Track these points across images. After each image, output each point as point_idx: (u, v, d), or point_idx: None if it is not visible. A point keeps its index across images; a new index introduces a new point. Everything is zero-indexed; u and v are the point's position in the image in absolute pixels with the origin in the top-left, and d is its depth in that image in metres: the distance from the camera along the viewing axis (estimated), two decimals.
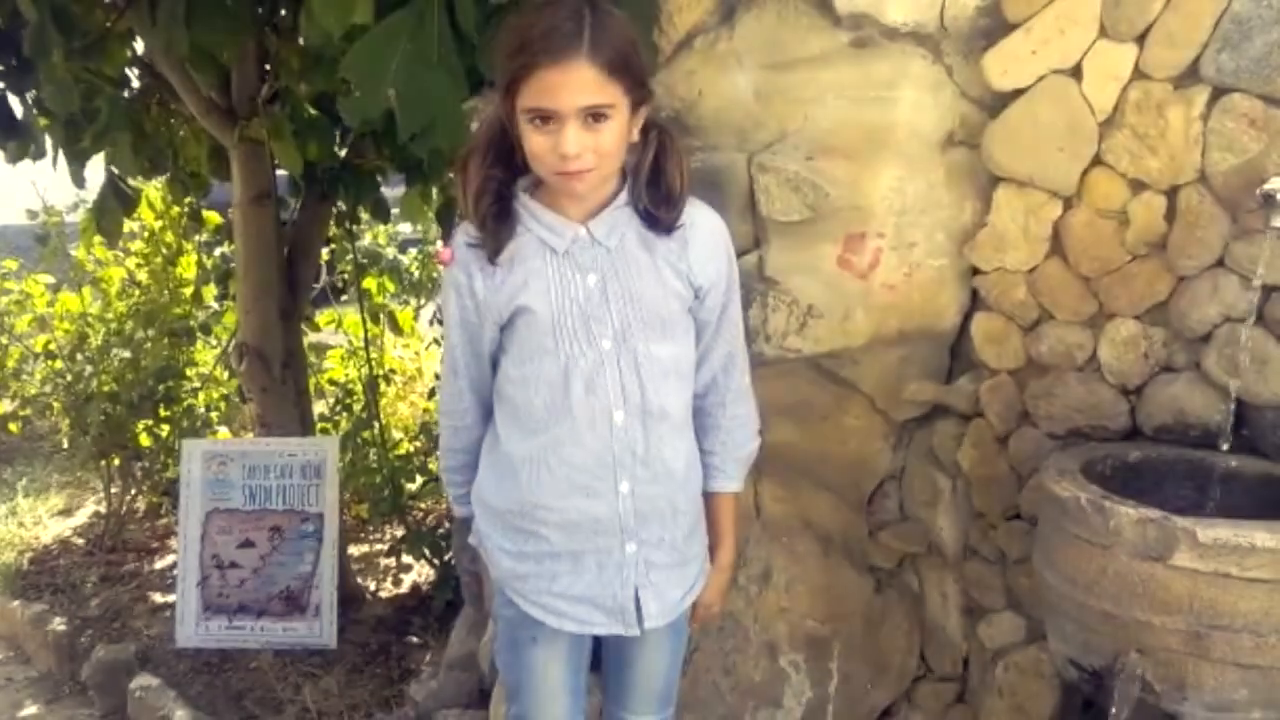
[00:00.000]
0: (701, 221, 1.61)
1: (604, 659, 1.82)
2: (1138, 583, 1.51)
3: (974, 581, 2.10)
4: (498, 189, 1.55)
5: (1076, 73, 1.76)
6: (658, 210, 1.55)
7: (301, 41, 2.83)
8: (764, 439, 1.77)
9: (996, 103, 1.84)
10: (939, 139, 1.90)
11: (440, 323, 4.48)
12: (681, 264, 1.58)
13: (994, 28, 1.81)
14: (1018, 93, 1.81)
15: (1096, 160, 1.77)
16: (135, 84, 3.40)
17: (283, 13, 3.05)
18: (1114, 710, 1.54)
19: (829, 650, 2.22)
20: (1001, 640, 2.06)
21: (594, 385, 1.55)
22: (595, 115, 1.43)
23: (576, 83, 1.40)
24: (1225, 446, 1.68)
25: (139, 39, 2.99)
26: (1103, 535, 1.54)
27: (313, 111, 3.22)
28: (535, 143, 1.46)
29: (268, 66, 3.21)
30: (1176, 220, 1.71)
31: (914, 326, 1.99)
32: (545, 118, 1.43)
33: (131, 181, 3.60)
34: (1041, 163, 1.81)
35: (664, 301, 1.57)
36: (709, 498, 1.73)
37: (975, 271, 1.95)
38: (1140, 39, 1.70)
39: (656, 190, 1.55)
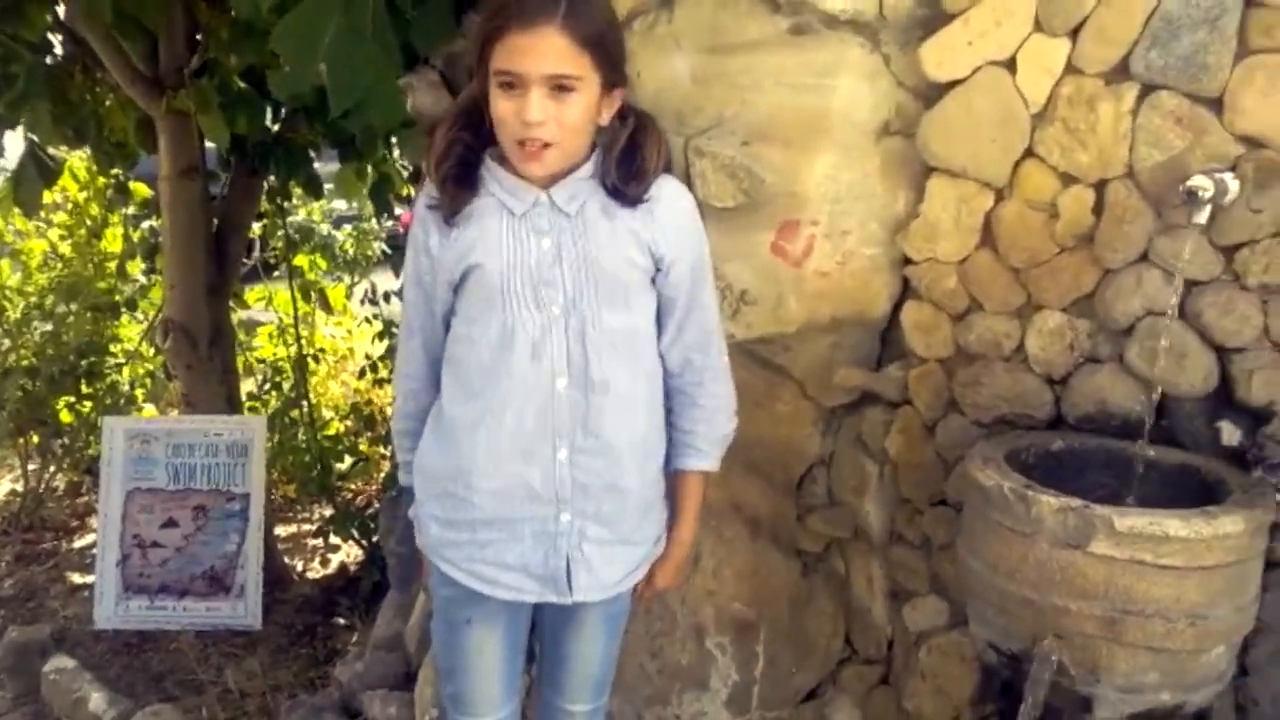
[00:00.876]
0: (669, 196, 1.61)
1: (540, 644, 1.81)
2: (1057, 569, 1.54)
3: (899, 566, 2.12)
4: (462, 153, 1.56)
5: (1011, 65, 1.77)
6: (625, 186, 1.55)
7: (232, 13, 2.76)
8: None
9: (932, 93, 1.86)
10: (874, 128, 1.91)
11: (372, 301, 4.45)
12: (645, 233, 1.57)
13: (932, 18, 1.82)
14: (953, 84, 1.82)
15: (1029, 153, 1.79)
16: (59, 50, 3.29)
17: None
18: (1028, 692, 1.57)
19: (755, 633, 2.23)
20: (925, 624, 2.09)
21: (540, 350, 1.55)
22: (561, 86, 1.44)
23: (545, 48, 1.41)
24: (1145, 437, 1.72)
25: (61, 3, 2.90)
26: (1025, 523, 1.56)
27: (242, 85, 3.15)
28: (501, 107, 1.46)
29: (198, 37, 3.13)
30: (1104, 214, 1.74)
31: (846, 314, 2.00)
32: (512, 83, 1.44)
33: (55, 152, 3.50)
34: (975, 154, 1.83)
35: (621, 270, 1.57)
36: (679, 475, 1.73)
37: (907, 261, 1.96)
38: (1073, 34, 1.72)
39: (628, 168, 1.56)
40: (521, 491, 1.58)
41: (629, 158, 1.56)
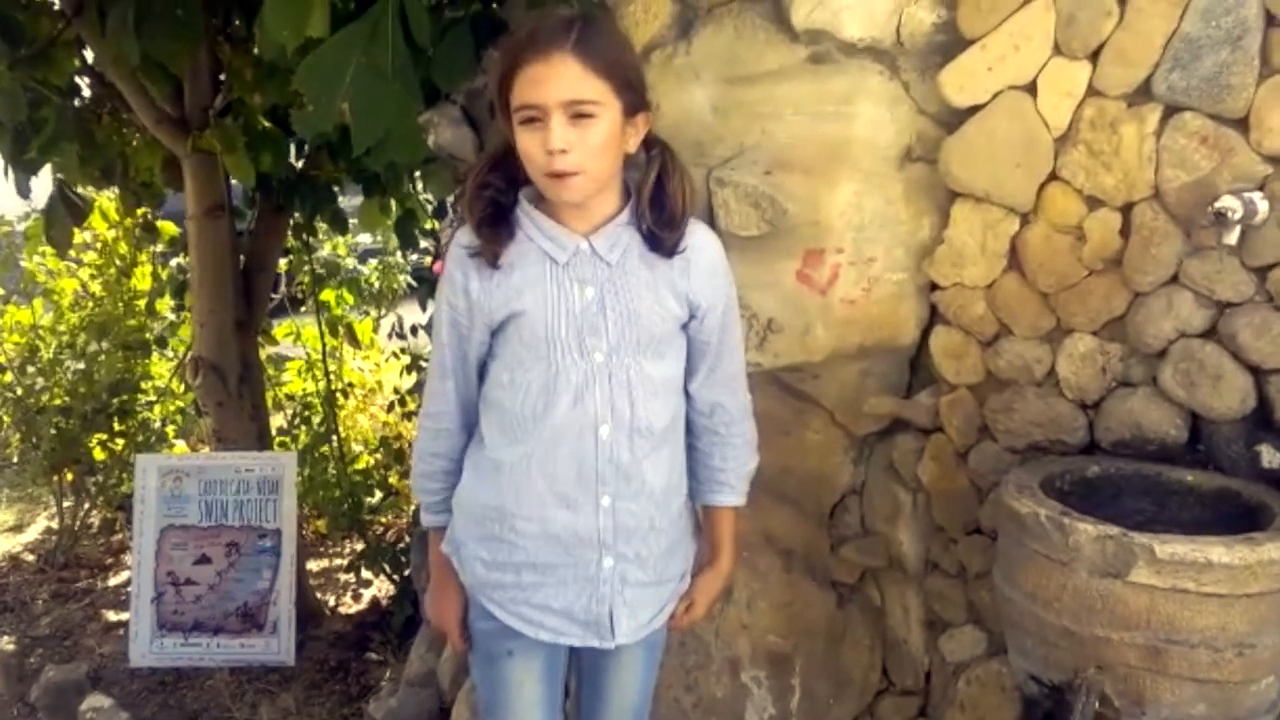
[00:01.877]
0: (703, 244, 1.62)
1: (577, 675, 1.80)
2: (1096, 599, 1.51)
3: (935, 595, 2.10)
4: (493, 196, 1.56)
5: (1032, 89, 1.76)
6: (661, 231, 1.56)
7: (256, 53, 2.79)
8: None
9: (953, 118, 1.85)
10: (896, 154, 1.90)
11: (400, 335, 4.46)
12: (682, 284, 1.58)
13: (950, 44, 1.81)
14: (974, 109, 1.82)
15: (1053, 176, 1.78)
16: (86, 93, 3.34)
17: (236, 22, 3.02)
18: None
19: (791, 665, 2.21)
20: (963, 654, 2.06)
21: (582, 398, 1.55)
22: (581, 113, 1.44)
23: (560, 75, 1.43)
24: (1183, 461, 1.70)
25: (89, 48, 2.94)
26: (1062, 551, 1.54)
27: (266, 124, 3.18)
28: (525, 143, 1.47)
29: (221, 77, 3.17)
30: (1132, 236, 1.72)
31: (874, 341, 1.99)
32: (533, 117, 1.45)
33: (84, 191, 3.54)
34: (999, 179, 1.82)
35: (660, 321, 1.58)
36: (713, 511, 1.74)
37: (934, 287, 1.95)
38: (1093, 57, 1.71)
39: (660, 211, 1.56)
40: (566, 537, 1.58)
41: (658, 199, 1.56)
